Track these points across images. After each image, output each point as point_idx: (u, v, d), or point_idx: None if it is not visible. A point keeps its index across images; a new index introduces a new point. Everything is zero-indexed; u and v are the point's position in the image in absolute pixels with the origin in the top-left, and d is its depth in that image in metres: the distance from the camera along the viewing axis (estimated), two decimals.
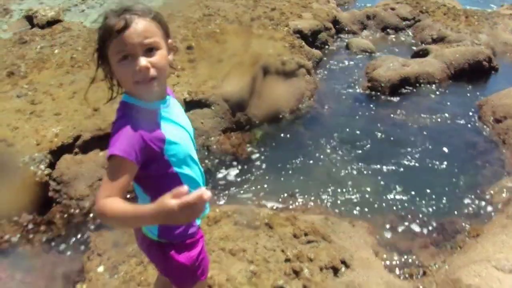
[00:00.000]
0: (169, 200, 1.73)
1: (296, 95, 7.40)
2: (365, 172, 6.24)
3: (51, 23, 8.98)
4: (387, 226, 5.36)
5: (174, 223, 1.85)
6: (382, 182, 6.06)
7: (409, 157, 6.59)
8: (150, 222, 1.96)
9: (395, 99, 7.97)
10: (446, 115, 7.66)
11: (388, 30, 11.01)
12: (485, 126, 6.98)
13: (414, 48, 9.87)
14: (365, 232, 4.96)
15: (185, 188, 1.73)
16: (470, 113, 7.56)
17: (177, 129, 2.28)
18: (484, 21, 10.44)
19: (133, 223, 2.11)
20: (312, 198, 5.75)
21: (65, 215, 5.20)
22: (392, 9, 11.34)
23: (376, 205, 5.70)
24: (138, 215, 1.88)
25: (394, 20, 11.09)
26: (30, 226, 5.10)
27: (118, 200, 1.96)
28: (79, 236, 5.12)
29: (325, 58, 9.47)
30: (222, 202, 5.55)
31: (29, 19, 9.12)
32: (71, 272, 4.68)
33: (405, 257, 4.81)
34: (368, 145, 6.84)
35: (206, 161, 6.11)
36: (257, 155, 6.48)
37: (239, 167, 6.22)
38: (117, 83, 2.26)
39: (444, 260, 4.64)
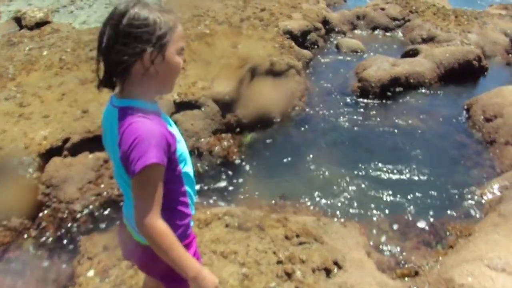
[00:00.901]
0: (214, 282, 2.25)
1: (286, 96, 7.37)
2: (356, 174, 6.24)
3: (40, 24, 8.95)
4: (379, 227, 5.37)
5: (193, 285, 2.21)
6: (373, 185, 6.06)
7: (400, 159, 6.60)
8: (183, 270, 2.16)
9: (385, 100, 7.97)
10: (436, 115, 7.68)
11: (378, 30, 11.03)
12: (475, 126, 6.98)
13: (405, 48, 9.87)
14: (357, 233, 4.94)
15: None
16: (460, 113, 7.57)
17: (174, 127, 2.30)
18: (473, 20, 10.47)
19: (169, 258, 2.16)
20: (303, 201, 5.75)
21: (55, 219, 5.16)
22: (382, 9, 11.36)
23: (368, 208, 5.70)
24: (183, 258, 2.15)
25: (384, 20, 11.11)
26: (20, 230, 5.06)
27: (171, 230, 2.13)
28: (69, 240, 5.09)
29: (315, 59, 9.46)
30: (212, 205, 5.53)
31: (18, 20, 9.09)
32: (62, 277, 4.66)
33: (398, 257, 4.81)
34: (359, 148, 6.85)
35: (198, 164, 6.09)
36: (247, 158, 6.46)
37: (230, 170, 6.20)
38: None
39: (436, 260, 4.64)
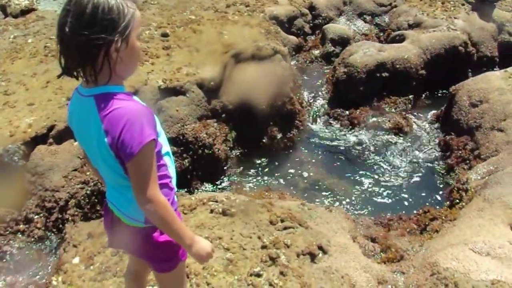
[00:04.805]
0: (208, 244, 2.40)
1: (272, 82, 7.30)
2: (339, 166, 6.33)
3: (25, 12, 8.86)
4: (365, 214, 5.41)
5: (192, 252, 2.34)
6: (358, 177, 6.21)
7: (386, 151, 6.67)
8: (182, 240, 2.30)
9: (370, 85, 7.93)
10: (422, 101, 7.74)
11: (364, 16, 10.98)
12: (460, 111, 6.98)
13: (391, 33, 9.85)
14: (342, 217, 4.96)
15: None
16: (446, 98, 7.57)
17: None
18: (460, 6, 10.43)
19: (171, 229, 2.26)
20: (287, 191, 5.83)
21: (41, 207, 5.16)
22: None
23: (353, 199, 5.82)
24: (182, 228, 2.27)
25: (371, 5, 11.05)
26: (6, 220, 5.07)
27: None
28: (55, 228, 5.11)
29: (301, 44, 9.46)
30: (197, 192, 5.56)
31: (2, 8, 8.99)
32: (49, 265, 4.68)
33: (383, 241, 4.83)
34: (343, 141, 6.94)
35: (184, 154, 6.10)
36: (233, 150, 6.55)
37: (215, 160, 6.25)
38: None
39: (421, 244, 4.68)
